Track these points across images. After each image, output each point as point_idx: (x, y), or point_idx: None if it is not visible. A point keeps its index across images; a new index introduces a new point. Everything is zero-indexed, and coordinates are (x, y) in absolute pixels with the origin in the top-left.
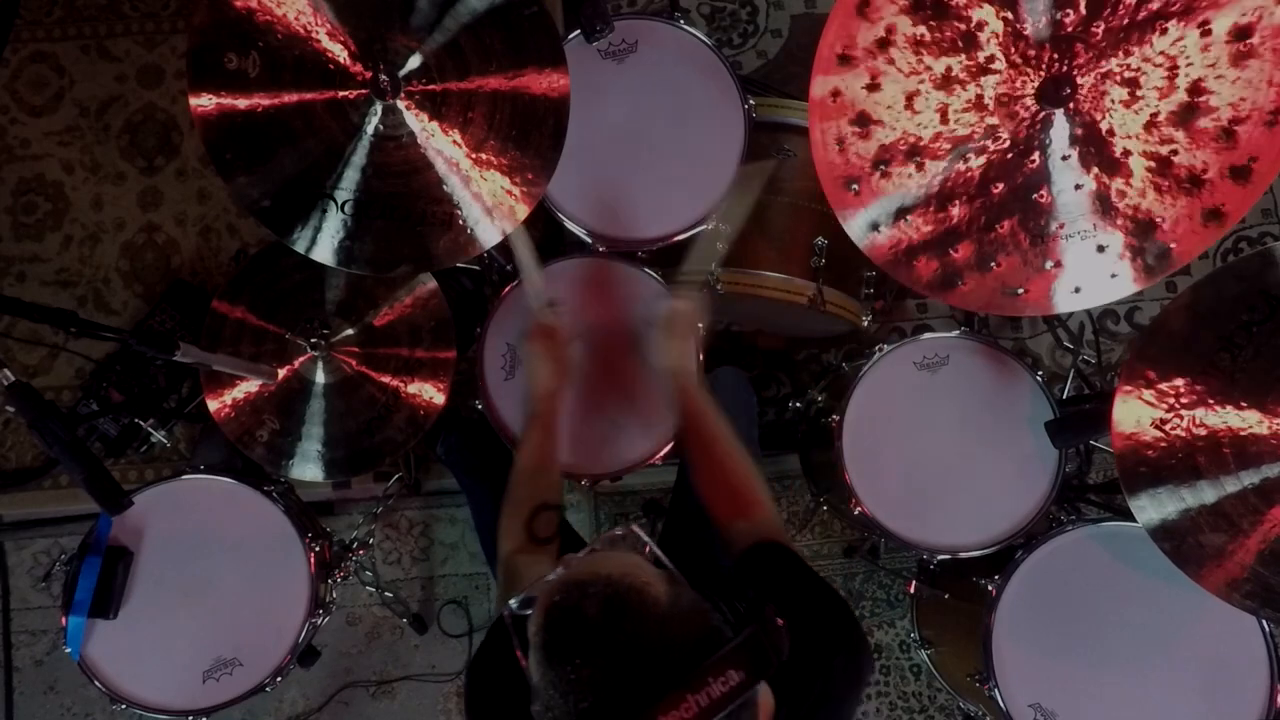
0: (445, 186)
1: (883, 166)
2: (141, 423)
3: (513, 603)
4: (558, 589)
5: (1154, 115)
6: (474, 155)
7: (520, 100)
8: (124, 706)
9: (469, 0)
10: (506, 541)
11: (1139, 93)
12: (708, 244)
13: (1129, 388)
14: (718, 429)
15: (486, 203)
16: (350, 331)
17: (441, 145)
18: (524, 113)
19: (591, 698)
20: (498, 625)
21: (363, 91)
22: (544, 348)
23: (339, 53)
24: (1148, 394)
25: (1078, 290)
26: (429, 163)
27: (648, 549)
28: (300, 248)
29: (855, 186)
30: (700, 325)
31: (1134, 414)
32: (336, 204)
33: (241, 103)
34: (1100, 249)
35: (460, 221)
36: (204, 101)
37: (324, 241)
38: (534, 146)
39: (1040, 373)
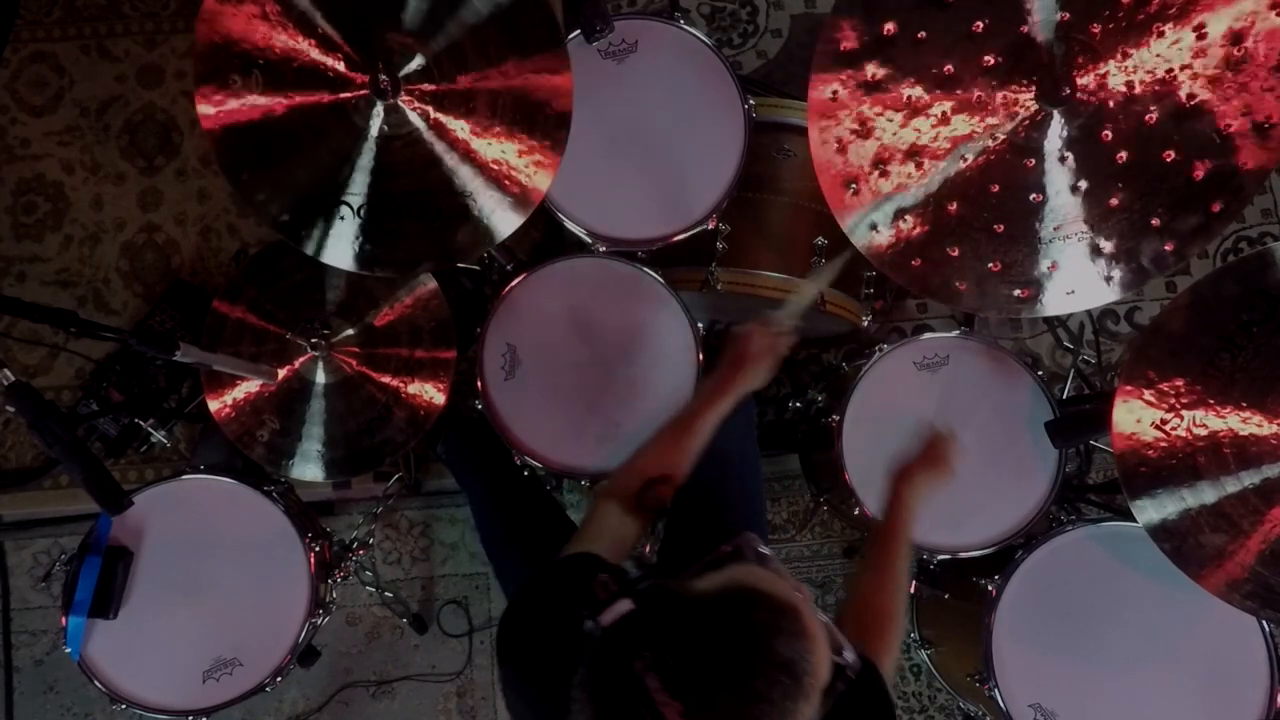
0: (457, 179)
1: (881, 166)
2: (141, 423)
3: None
4: (774, 585)
5: (1151, 117)
6: (482, 145)
7: (521, 88)
8: (124, 706)
9: (471, 3)
10: (616, 483)
11: (1137, 94)
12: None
13: (1129, 388)
14: (903, 560)
15: (499, 191)
16: (350, 331)
17: (448, 139)
18: (526, 100)
19: (675, 673)
20: (559, 569)
21: (363, 93)
22: (768, 357)
23: (338, 56)
24: (1148, 394)
25: (1071, 293)
26: (438, 157)
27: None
28: (322, 256)
29: (854, 186)
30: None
31: (1134, 414)
32: (352, 209)
33: (249, 119)
34: (1095, 251)
35: (476, 213)
36: (215, 123)
37: (344, 247)
38: (541, 127)
39: (1040, 372)
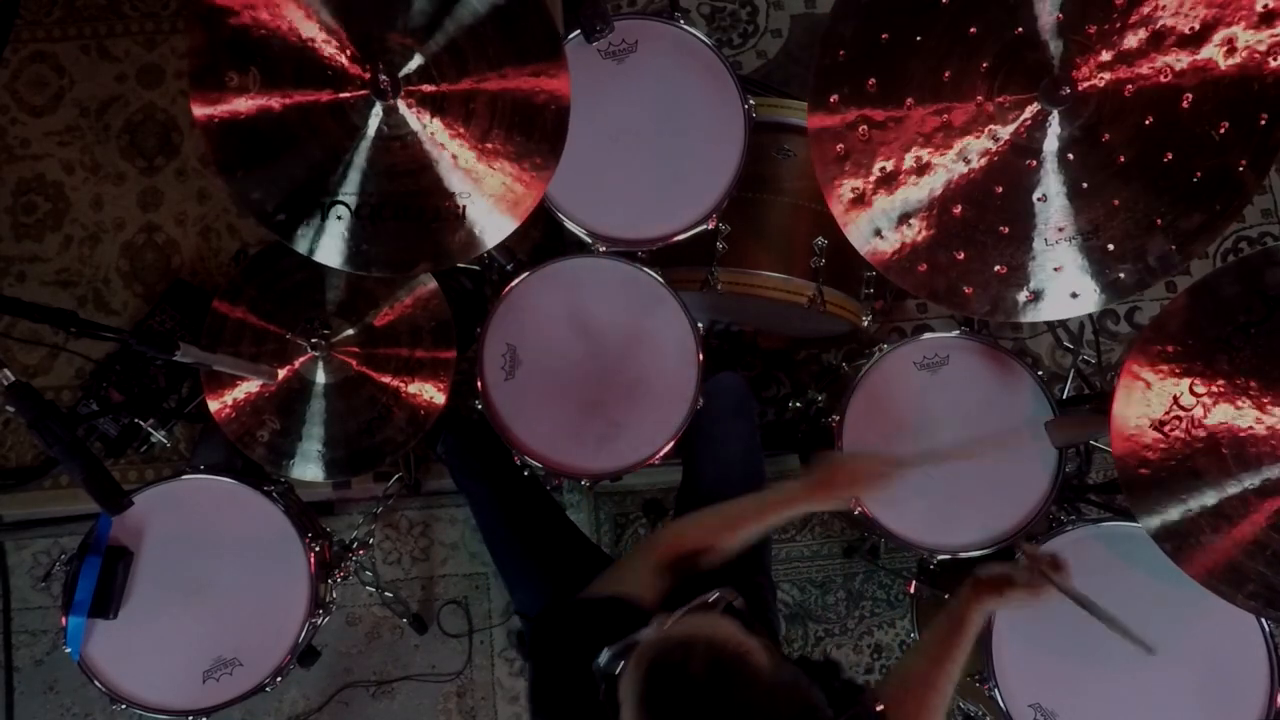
0: (455, 180)
1: (884, 171)
2: (141, 423)
3: (602, 658)
4: (659, 645)
5: (1153, 114)
6: (479, 147)
7: (520, 90)
8: (124, 706)
9: (469, 1)
10: (661, 538)
11: (1138, 92)
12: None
13: (1127, 388)
14: (961, 660)
15: (496, 194)
16: (350, 331)
17: (446, 140)
18: (525, 102)
19: None
20: (586, 610)
21: (363, 92)
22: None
23: (338, 55)
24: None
25: (1074, 296)
26: (435, 159)
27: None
28: (317, 255)
29: (858, 193)
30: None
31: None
32: (348, 209)
33: (245, 116)
34: (1100, 251)
35: (471, 215)
36: (210, 119)
37: (339, 247)
38: (539, 130)
39: (1040, 373)
